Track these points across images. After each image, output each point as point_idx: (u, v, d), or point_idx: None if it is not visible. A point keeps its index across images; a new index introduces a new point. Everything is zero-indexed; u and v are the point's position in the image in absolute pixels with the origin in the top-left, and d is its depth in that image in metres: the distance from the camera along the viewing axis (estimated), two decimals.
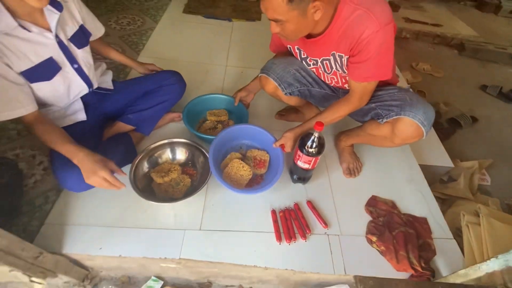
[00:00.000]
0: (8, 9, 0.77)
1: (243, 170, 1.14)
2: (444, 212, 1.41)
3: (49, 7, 0.85)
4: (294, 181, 1.20)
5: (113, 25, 2.02)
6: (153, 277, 1.09)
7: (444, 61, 2.80)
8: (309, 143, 1.01)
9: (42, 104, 0.98)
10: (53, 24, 0.87)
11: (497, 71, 2.80)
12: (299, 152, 1.06)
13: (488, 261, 0.72)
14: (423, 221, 1.14)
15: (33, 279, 0.85)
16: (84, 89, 1.05)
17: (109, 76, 1.19)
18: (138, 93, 1.21)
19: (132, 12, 2.21)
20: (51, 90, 0.95)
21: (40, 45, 0.87)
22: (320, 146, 1.02)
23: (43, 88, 0.92)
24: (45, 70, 0.90)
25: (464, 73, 2.71)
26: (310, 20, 0.83)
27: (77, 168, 0.84)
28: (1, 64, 0.80)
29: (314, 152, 1.02)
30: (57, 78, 0.93)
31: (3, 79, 0.81)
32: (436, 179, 1.59)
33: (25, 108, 0.86)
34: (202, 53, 1.87)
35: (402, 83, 2.00)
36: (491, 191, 1.67)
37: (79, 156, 0.84)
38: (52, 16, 0.87)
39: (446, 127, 2.00)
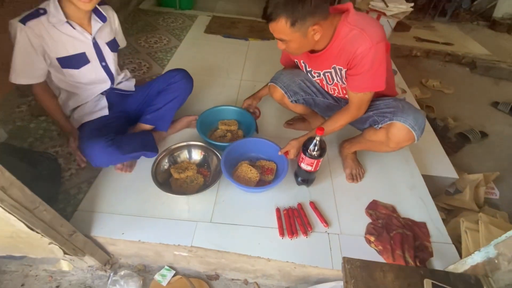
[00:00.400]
0: (64, 11, 1.05)
1: (250, 173, 1.26)
2: (447, 221, 1.44)
3: (95, 17, 1.13)
4: (299, 183, 1.29)
5: (143, 43, 2.27)
6: (166, 267, 1.20)
7: (455, 78, 2.85)
8: (311, 147, 1.12)
9: (73, 92, 1.23)
10: (94, 29, 1.15)
11: (510, 88, 2.80)
12: (302, 155, 1.16)
13: (473, 254, 0.78)
14: (422, 225, 1.18)
15: (66, 255, 0.98)
16: (107, 84, 1.27)
17: (132, 82, 1.41)
18: (152, 92, 1.38)
19: (159, 32, 2.46)
20: (79, 77, 1.19)
21: (78, 41, 1.13)
22: (322, 149, 1.12)
23: (72, 74, 1.17)
24: (76, 61, 1.15)
25: (476, 90, 2.73)
26: (311, 40, 0.98)
27: (100, 145, 1.09)
28: (35, 50, 1.06)
29: (316, 155, 1.12)
30: (84, 69, 1.18)
31: (29, 58, 1.07)
32: (441, 190, 1.63)
33: (36, 79, 1.12)
34: (220, 69, 2.05)
35: (410, 98, 2.07)
36: (500, 205, 1.67)
37: (66, 129, 1.24)
38: (96, 24, 1.15)
39: (455, 141, 2.03)
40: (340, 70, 1.08)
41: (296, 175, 1.29)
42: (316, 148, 1.11)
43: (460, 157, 1.93)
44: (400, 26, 3.14)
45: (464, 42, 3.34)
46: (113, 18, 1.26)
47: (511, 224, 1.33)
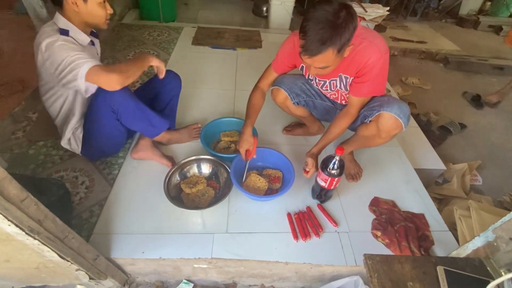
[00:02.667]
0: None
1: (259, 183, 1.31)
2: (441, 210, 1.56)
3: (91, 37, 1.24)
4: (315, 198, 1.32)
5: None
6: (184, 280, 1.22)
7: (431, 74, 3.05)
8: (330, 165, 1.14)
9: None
10: (97, 44, 1.30)
11: (481, 81, 3.03)
12: (322, 174, 1.18)
13: (473, 239, 0.88)
14: (421, 217, 1.29)
15: (91, 280, 0.99)
16: None
17: None
18: (147, 96, 1.44)
19: (147, 46, 2.46)
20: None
21: (91, 51, 1.23)
22: (341, 167, 1.15)
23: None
24: None
25: (451, 84, 2.94)
26: (343, 57, 1.02)
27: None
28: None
29: (335, 173, 1.15)
30: None
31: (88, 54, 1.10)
32: (431, 181, 1.75)
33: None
34: (212, 80, 2.09)
35: (394, 96, 2.21)
36: (483, 190, 1.82)
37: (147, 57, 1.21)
38: (96, 41, 1.29)
39: (438, 134, 2.18)
40: (346, 78, 1.16)
41: (313, 191, 1.32)
42: (335, 167, 1.14)
43: (444, 149, 2.08)
44: (377, 27, 3.30)
45: (436, 40, 3.58)
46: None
47: (497, 208, 1.47)
